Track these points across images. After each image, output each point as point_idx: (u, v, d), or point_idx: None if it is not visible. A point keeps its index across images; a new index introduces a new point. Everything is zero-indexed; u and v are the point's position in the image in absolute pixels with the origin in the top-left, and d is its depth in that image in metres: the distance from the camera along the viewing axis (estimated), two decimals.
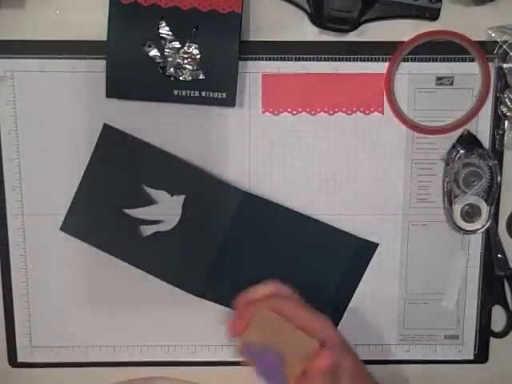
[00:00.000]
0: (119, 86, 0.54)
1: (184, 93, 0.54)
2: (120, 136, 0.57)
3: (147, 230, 0.58)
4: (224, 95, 0.54)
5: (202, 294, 0.58)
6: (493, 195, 0.57)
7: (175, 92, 0.54)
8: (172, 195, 0.57)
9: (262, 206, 0.57)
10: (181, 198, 0.57)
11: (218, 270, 0.58)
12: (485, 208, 0.58)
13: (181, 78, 0.54)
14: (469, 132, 0.57)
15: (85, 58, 0.56)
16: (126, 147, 0.57)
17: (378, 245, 0.59)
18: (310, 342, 0.49)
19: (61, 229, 0.58)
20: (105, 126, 0.56)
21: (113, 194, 0.57)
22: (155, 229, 0.58)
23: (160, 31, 0.53)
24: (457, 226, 0.58)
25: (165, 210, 0.58)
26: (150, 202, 0.57)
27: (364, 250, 0.59)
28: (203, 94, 0.54)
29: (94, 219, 0.58)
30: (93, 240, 0.58)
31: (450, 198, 0.58)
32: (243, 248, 0.58)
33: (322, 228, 0.58)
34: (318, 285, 0.59)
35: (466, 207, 0.58)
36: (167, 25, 0.53)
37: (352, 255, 0.59)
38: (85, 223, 0.58)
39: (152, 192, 0.57)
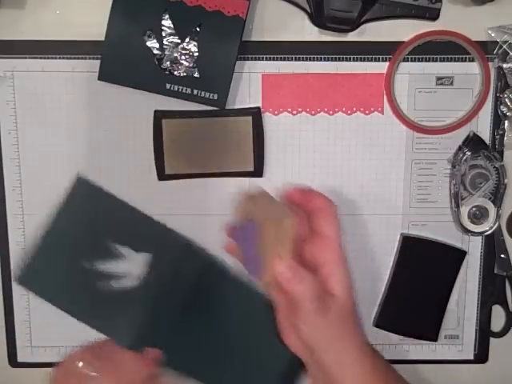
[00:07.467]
0: (113, 71, 0.54)
1: (176, 88, 0.54)
2: (93, 189, 0.55)
3: (108, 286, 0.55)
4: (215, 96, 0.54)
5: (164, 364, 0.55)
6: (500, 196, 0.57)
7: (167, 85, 0.54)
8: (137, 252, 0.55)
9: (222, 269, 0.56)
10: (146, 256, 0.55)
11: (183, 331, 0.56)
12: (492, 209, 0.58)
13: (175, 72, 0.54)
14: (475, 134, 0.57)
15: (85, 58, 0.56)
16: (97, 202, 0.55)
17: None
18: (288, 213, 0.46)
19: (15, 281, 0.56)
20: (79, 178, 0.55)
21: (77, 247, 0.55)
22: (118, 284, 0.55)
23: (162, 23, 0.53)
24: (465, 228, 0.58)
25: (128, 266, 0.56)
26: (115, 256, 0.55)
27: None
28: (195, 92, 0.54)
29: (52, 273, 0.55)
30: (48, 295, 0.55)
31: (457, 200, 0.58)
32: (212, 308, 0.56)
33: None
34: None
35: (474, 209, 0.58)
36: (170, 18, 0.53)
37: None
38: (42, 277, 0.55)
39: (117, 247, 0.55)
